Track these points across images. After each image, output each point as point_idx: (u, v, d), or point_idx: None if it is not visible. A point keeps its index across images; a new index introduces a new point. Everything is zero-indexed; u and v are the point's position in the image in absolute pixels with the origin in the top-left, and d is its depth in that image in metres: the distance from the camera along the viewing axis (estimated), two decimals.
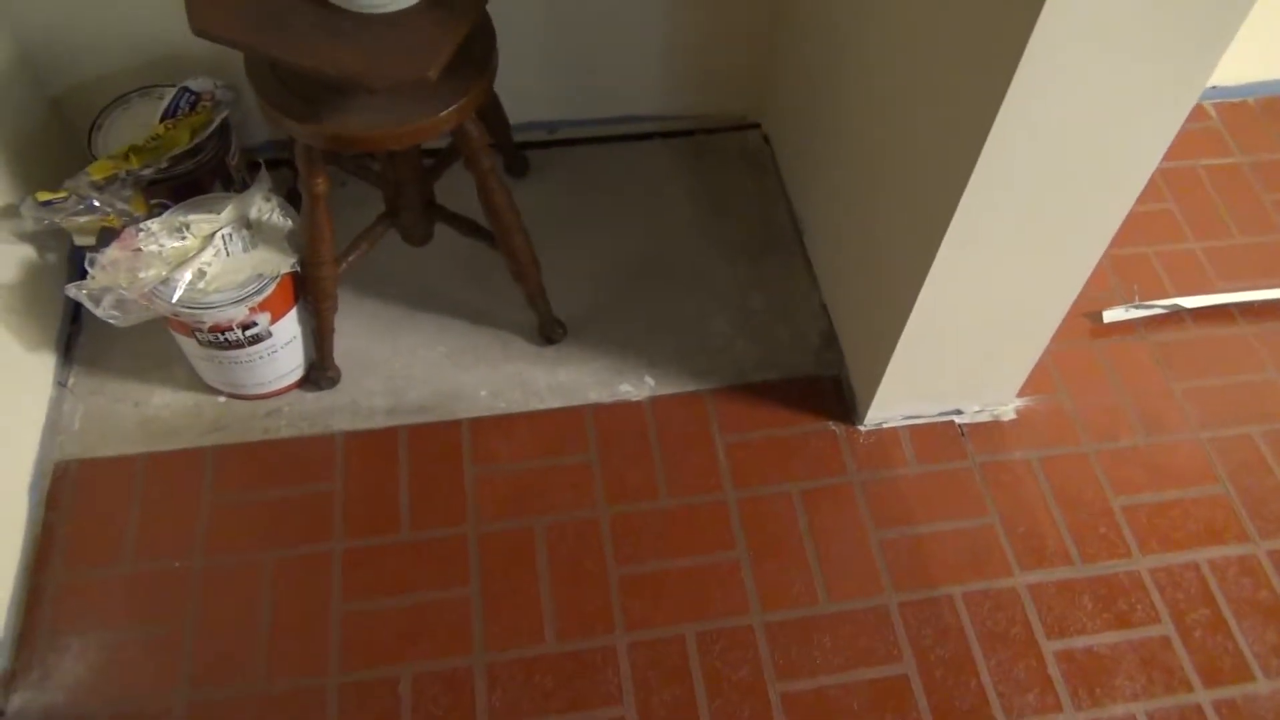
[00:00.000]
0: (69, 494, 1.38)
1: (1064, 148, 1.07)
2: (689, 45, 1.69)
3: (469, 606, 1.32)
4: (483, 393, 1.51)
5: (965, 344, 1.36)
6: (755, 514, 1.40)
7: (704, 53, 1.71)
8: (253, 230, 1.34)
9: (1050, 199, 1.14)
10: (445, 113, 1.17)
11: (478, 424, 1.47)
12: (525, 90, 1.67)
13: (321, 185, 1.25)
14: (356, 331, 1.55)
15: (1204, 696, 1.28)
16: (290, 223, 1.35)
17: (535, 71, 1.67)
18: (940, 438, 1.49)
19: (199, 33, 1.07)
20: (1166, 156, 1.94)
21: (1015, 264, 1.24)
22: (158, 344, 1.48)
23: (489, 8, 1.24)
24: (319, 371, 1.48)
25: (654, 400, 1.51)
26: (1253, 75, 1.98)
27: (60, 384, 1.46)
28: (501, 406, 1.50)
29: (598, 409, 1.50)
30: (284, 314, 1.37)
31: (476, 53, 1.21)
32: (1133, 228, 1.76)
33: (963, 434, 1.50)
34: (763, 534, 1.39)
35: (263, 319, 1.34)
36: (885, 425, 1.49)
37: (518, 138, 1.73)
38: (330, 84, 1.16)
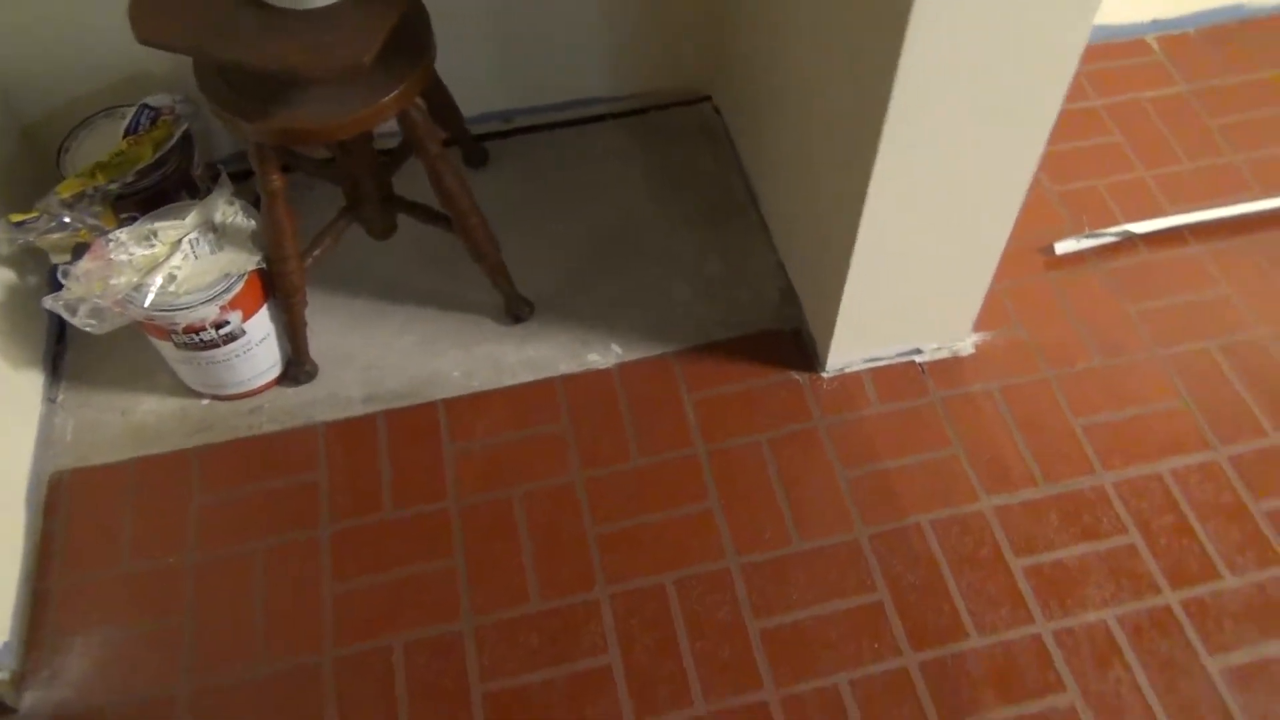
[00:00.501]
0: (65, 502, 1.45)
1: (970, 79, 1.13)
2: (634, 24, 1.76)
3: (455, 576, 1.38)
4: (456, 374, 1.58)
5: (910, 282, 1.42)
6: (726, 465, 1.46)
7: (649, 30, 1.78)
8: (218, 233, 1.41)
9: (964, 132, 1.20)
10: (387, 99, 1.24)
11: (452, 404, 1.54)
12: (476, 82, 1.74)
13: (277, 182, 1.32)
14: (331, 327, 1.62)
15: (1172, 597, 1.33)
16: (254, 223, 1.43)
17: (484, 63, 1.74)
18: (902, 377, 1.55)
19: (144, 41, 1.14)
20: (1111, 91, 2.01)
21: (943, 202, 1.30)
22: (140, 355, 1.55)
23: (426, 1, 1.32)
24: (296, 367, 1.55)
25: (621, 366, 1.57)
26: (1192, 6, 2.04)
27: (50, 400, 1.54)
28: (475, 385, 1.56)
29: (567, 380, 1.56)
30: (255, 311, 1.44)
31: (413, 40, 1.28)
32: (1081, 161, 1.82)
33: (923, 372, 1.55)
34: (734, 483, 1.45)
35: (234, 317, 1.41)
36: (847, 370, 1.55)
37: (475, 130, 1.80)
38: (275, 81, 1.23)
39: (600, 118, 1.90)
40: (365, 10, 1.17)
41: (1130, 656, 1.29)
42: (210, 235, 1.40)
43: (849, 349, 1.52)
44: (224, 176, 1.43)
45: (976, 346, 1.58)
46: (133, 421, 1.53)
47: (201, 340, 1.41)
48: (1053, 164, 1.81)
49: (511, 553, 1.40)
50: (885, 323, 1.49)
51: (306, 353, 1.55)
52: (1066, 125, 1.87)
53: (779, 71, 1.51)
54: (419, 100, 1.32)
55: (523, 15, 1.69)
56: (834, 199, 1.36)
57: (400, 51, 1.25)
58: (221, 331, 1.41)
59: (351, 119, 1.23)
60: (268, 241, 1.39)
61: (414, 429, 1.52)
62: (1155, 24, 2.03)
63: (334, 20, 1.16)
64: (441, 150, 1.38)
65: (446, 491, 1.45)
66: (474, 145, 1.80)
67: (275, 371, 1.55)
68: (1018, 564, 1.36)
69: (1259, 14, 2.05)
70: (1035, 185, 1.80)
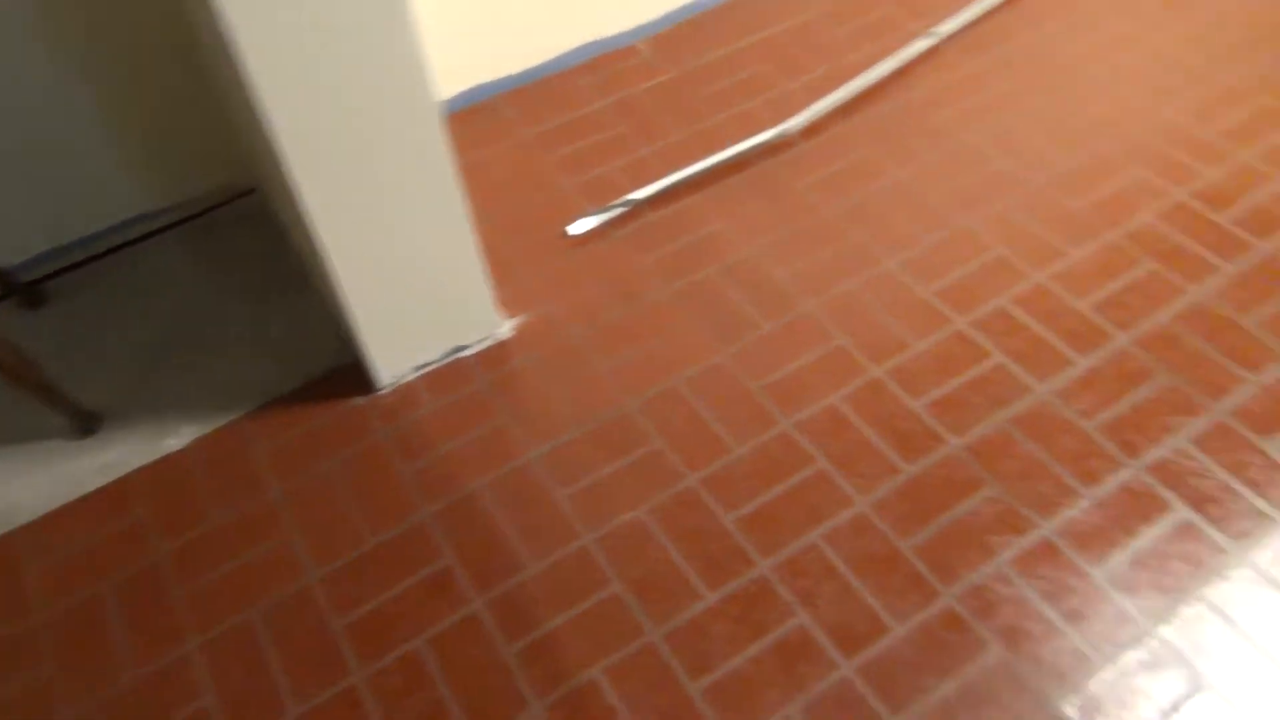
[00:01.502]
0: None
1: (332, 96, 1.40)
2: (146, 142, 1.96)
3: (47, 682, 1.46)
4: (32, 500, 1.68)
5: (405, 296, 1.66)
6: (301, 498, 1.63)
7: (166, 144, 1.99)
8: None
9: (361, 168, 1.47)
10: None
11: (30, 528, 1.64)
12: (14, 231, 1.89)
13: None
14: None
15: (693, 479, 1.60)
16: None
17: (14, 212, 1.89)
18: (452, 374, 1.78)
19: None
20: (612, 92, 2.37)
21: (386, 232, 1.56)
22: None
23: None
24: None
25: (195, 443, 1.72)
26: (668, 7, 2.47)
27: None
28: (53, 504, 1.67)
29: (144, 471, 1.70)
30: None
31: None
32: (593, 155, 2.17)
33: (472, 364, 1.79)
34: (309, 511, 1.62)
35: None
36: (403, 381, 1.77)
37: (32, 274, 1.95)
38: None
39: (158, 231, 2.08)
40: None
41: (663, 538, 1.54)
42: None
43: (394, 363, 1.74)
44: None
45: (515, 329, 1.84)
46: None
47: None
48: (568, 163, 2.15)
49: (102, 641, 1.50)
50: (411, 334, 1.73)
51: None
52: (577, 129, 2.23)
53: (256, 141, 1.75)
54: None
55: (34, 160, 1.86)
56: (313, 242, 1.59)
57: None
58: None
59: None
60: None
61: None
62: (640, 29, 2.44)
63: None
64: None
65: (30, 610, 1.54)
66: (27, 289, 1.94)
67: None
68: (561, 493, 1.60)
69: (721, 0, 2.52)
70: (554, 183, 2.12)
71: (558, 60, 2.38)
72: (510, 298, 1.88)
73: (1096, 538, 1.49)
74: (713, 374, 1.75)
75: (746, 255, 1.94)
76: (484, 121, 2.29)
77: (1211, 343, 1.73)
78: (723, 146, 2.14)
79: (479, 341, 1.82)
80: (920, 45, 2.37)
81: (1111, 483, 1.55)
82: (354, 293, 1.61)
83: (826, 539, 1.52)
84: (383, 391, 1.76)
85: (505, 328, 1.84)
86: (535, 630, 1.45)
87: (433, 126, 1.49)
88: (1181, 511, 1.52)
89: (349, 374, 1.80)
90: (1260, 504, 1.52)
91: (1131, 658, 1.37)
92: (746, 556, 1.51)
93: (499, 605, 1.48)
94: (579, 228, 2.00)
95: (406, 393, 1.76)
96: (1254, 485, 1.54)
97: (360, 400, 1.76)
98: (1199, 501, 1.53)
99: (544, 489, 1.61)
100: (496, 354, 1.81)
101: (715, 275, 1.91)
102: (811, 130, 2.19)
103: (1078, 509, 1.52)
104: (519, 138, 2.23)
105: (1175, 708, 1.32)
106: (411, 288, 1.66)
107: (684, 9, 2.48)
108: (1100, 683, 1.35)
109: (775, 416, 1.68)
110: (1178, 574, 1.45)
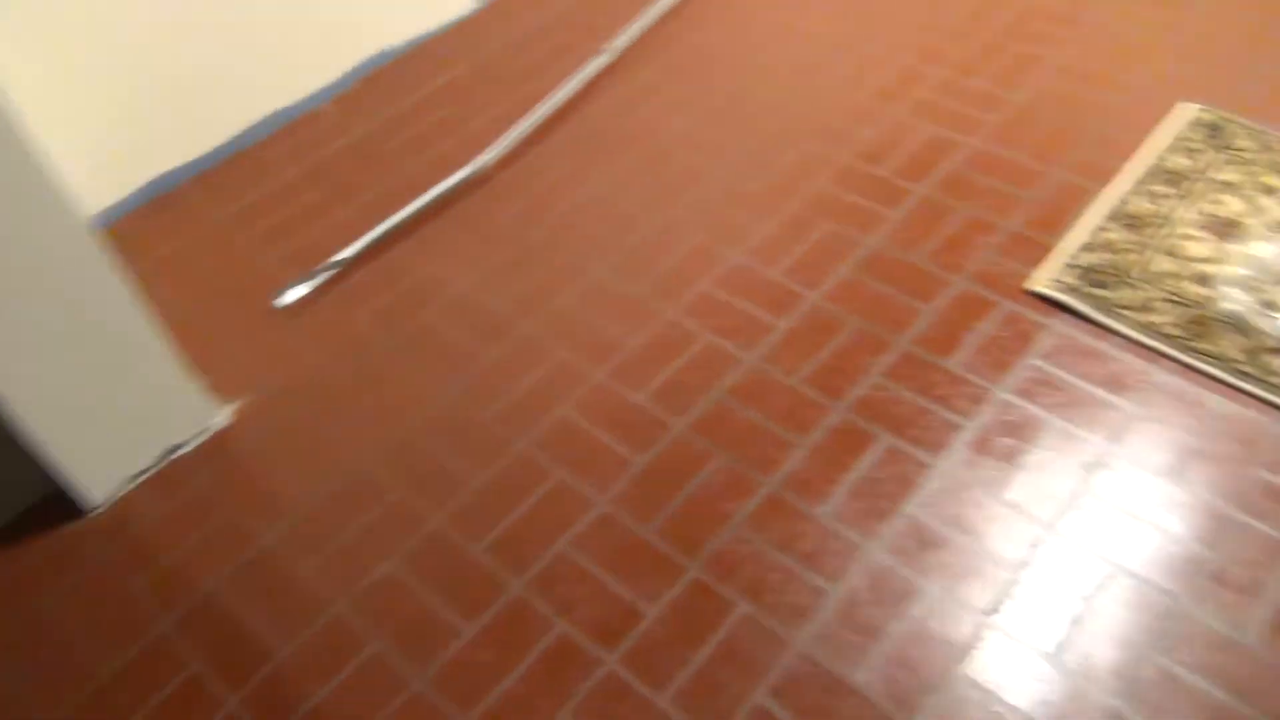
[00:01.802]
0: None
1: None
2: None
3: None
4: None
5: (90, 405, 1.59)
6: (21, 644, 1.52)
7: None
8: None
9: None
10: None
11: None
12: None
13: None
14: None
15: (437, 520, 1.62)
16: None
17: None
18: (172, 476, 1.72)
19: None
20: (302, 159, 2.35)
21: (37, 344, 1.49)
22: None
23: None
24: None
25: None
26: (349, 64, 2.49)
27: None
28: None
29: None
30: None
31: None
32: (291, 225, 2.15)
33: (192, 460, 1.74)
34: (32, 656, 1.51)
35: None
36: (119, 496, 1.69)
37: None
38: None
39: None
40: None
41: (415, 585, 1.54)
42: None
43: (103, 480, 1.66)
44: None
45: (235, 414, 1.80)
46: None
47: None
48: (268, 237, 2.12)
49: None
50: (114, 447, 1.65)
51: None
52: (272, 201, 2.21)
53: None
54: None
55: None
56: None
57: None
58: None
59: None
60: None
61: None
62: (324, 90, 2.45)
63: None
64: None
65: None
66: None
67: None
68: (307, 566, 1.57)
69: (400, 51, 2.57)
70: (256, 260, 2.09)
71: (244, 135, 2.34)
72: (226, 383, 1.83)
73: (816, 481, 1.62)
74: (443, 413, 1.77)
75: (461, 291, 1.98)
76: (174, 210, 2.22)
77: (889, 283, 1.92)
78: (422, 191, 2.18)
79: (196, 436, 1.76)
80: (599, 63, 2.50)
81: (822, 428, 1.69)
82: (38, 422, 1.53)
83: (574, 544, 1.57)
84: (97, 511, 1.67)
85: (222, 416, 1.79)
86: (297, 711, 1.41)
87: (80, 240, 1.44)
88: (886, 439, 1.67)
89: (56, 502, 1.69)
90: (950, 416, 1.70)
91: (859, 583, 1.50)
92: (499, 581, 1.53)
93: (255, 698, 1.43)
94: (288, 298, 1.97)
95: (124, 507, 1.68)
96: (942, 400, 1.72)
97: (74, 525, 1.66)
98: (899, 426, 1.69)
99: (287, 568, 1.58)
100: (217, 444, 1.76)
101: (433, 317, 1.94)
102: (506, 161, 2.26)
103: (795, 459, 1.65)
104: (213, 220, 2.18)
105: (900, 615, 1.46)
106: (100, 403, 1.59)
107: (364, 65, 2.51)
108: (836, 611, 1.47)
109: (509, 439, 1.72)
110: (891, 495, 1.60)
